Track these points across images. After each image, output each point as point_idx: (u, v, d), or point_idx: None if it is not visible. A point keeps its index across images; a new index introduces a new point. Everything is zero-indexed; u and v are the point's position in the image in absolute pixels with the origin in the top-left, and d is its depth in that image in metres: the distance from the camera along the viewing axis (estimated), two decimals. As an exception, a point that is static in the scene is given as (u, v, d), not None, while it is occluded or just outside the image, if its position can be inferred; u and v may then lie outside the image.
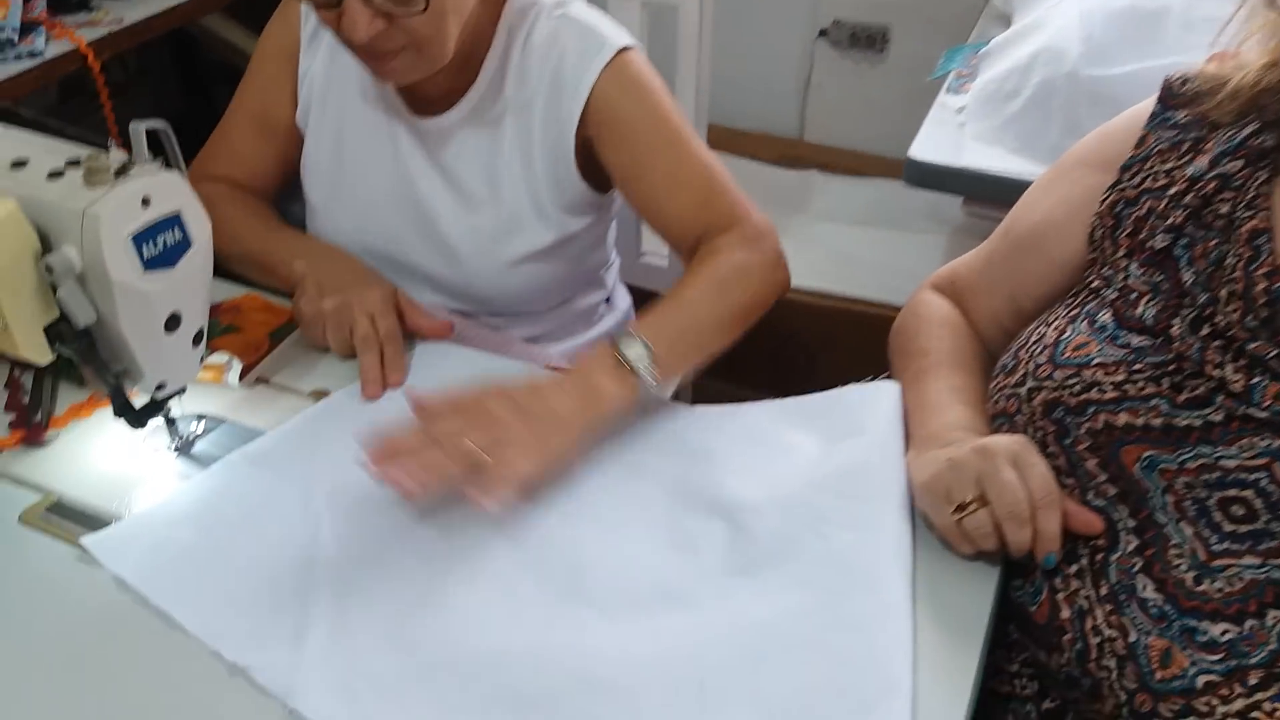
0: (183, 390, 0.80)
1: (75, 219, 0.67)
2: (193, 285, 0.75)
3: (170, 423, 0.82)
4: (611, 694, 0.65)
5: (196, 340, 0.78)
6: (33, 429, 0.85)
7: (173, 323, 0.75)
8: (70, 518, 0.78)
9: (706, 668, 0.67)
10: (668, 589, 0.73)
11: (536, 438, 0.77)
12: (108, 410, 0.87)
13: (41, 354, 0.72)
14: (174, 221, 0.71)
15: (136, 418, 0.78)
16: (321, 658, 0.67)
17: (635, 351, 0.83)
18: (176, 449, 0.84)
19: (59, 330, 0.71)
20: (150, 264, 0.70)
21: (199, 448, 0.84)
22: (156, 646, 0.69)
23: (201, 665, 0.67)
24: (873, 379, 0.90)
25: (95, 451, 0.84)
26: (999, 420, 0.78)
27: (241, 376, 0.92)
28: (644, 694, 0.65)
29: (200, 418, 0.86)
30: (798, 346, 1.74)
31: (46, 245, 0.69)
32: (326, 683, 0.66)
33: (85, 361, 0.74)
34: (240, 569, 0.74)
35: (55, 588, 0.73)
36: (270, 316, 1.01)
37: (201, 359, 0.80)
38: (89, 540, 0.74)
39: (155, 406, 0.79)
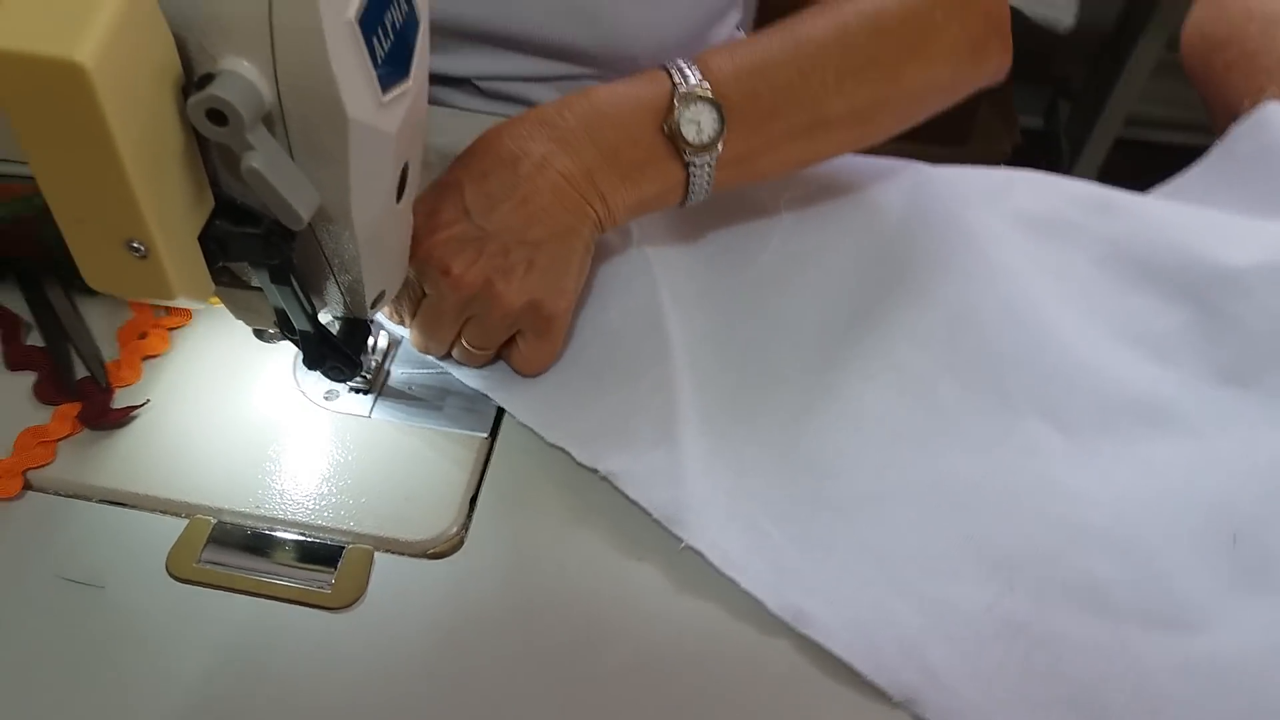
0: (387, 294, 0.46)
1: (254, 3, 0.31)
2: (420, 104, 0.40)
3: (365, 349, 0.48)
4: (1112, 545, 0.45)
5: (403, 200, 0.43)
6: (93, 399, 0.48)
7: (402, 182, 0.40)
8: (256, 549, 0.44)
9: (1235, 515, 0.46)
10: (1137, 398, 0.51)
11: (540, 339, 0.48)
12: (210, 327, 0.52)
13: (197, 287, 0.36)
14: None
15: (346, 363, 0.44)
16: (704, 472, 0.45)
17: (699, 118, 0.46)
18: (361, 389, 0.50)
19: (226, 237, 0.36)
20: (387, 74, 0.35)
21: (397, 376, 0.51)
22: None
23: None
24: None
25: (222, 411, 0.49)
26: None
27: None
28: (1157, 547, 0.45)
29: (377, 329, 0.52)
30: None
31: (192, 70, 0.32)
32: (722, 511, 0.44)
33: (274, 283, 0.39)
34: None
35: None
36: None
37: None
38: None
39: (358, 332, 0.45)
